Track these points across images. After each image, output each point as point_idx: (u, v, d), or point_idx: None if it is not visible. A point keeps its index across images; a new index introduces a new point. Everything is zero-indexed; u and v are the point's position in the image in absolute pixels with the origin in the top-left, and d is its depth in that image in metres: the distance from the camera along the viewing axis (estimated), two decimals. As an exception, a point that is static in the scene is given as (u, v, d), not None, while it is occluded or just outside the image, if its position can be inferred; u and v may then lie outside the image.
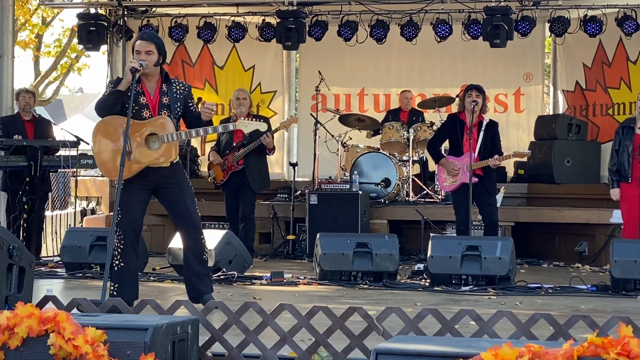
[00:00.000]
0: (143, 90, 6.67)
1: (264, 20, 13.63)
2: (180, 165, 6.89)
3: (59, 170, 11.07)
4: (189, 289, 6.82)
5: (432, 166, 11.71)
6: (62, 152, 10.19)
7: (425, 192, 12.10)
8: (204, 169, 12.41)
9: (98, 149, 6.77)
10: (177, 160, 6.80)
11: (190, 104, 6.80)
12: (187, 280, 6.88)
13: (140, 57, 6.59)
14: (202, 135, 6.87)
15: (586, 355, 3.52)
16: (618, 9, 12.66)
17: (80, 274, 8.96)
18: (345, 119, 12.70)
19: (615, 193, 9.01)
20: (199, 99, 12.91)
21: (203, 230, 6.91)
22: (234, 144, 10.35)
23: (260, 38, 13.63)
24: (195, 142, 13.37)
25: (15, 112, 10.99)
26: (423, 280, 8.68)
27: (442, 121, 10.71)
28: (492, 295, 7.84)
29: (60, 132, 10.85)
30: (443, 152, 9.90)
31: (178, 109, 6.71)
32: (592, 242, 11.12)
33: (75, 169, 11.00)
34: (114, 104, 6.63)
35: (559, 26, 13.02)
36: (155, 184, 6.72)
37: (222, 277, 8.57)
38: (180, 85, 6.83)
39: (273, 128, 10.40)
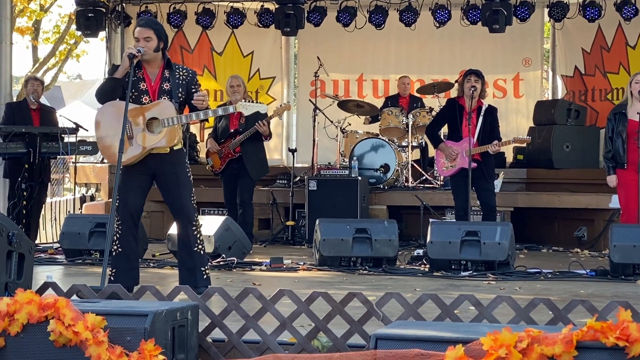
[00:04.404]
0: (144, 76, 6.65)
1: (262, 6, 13.61)
2: (183, 153, 6.81)
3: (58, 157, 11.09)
4: (179, 279, 6.79)
5: (431, 152, 11.70)
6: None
7: (424, 177, 12.10)
8: (203, 155, 12.41)
9: (100, 135, 6.76)
10: (180, 148, 6.76)
11: (194, 90, 6.74)
12: (179, 271, 6.88)
13: (139, 43, 6.57)
14: (202, 118, 6.84)
15: (585, 340, 3.52)
16: (617, -6, 12.65)
17: (80, 261, 8.96)
18: (344, 105, 12.69)
19: (612, 180, 9.00)
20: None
21: (202, 217, 6.88)
22: (231, 131, 10.34)
23: (258, 24, 13.62)
24: (194, 128, 13.36)
25: (23, 98, 10.98)
26: (422, 266, 8.69)
27: (441, 107, 10.70)
28: (492, 281, 7.85)
29: (59, 119, 10.87)
30: (442, 137, 9.91)
31: (180, 95, 6.67)
32: (591, 227, 11.13)
33: (74, 156, 11.01)
34: (111, 90, 6.62)
35: (558, 11, 13.01)
36: (154, 170, 6.70)
37: (221, 263, 8.58)
38: (184, 71, 6.80)
39: (269, 114, 10.39)
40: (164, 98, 6.62)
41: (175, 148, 6.69)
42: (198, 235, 6.77)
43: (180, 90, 6.68)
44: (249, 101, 9.81)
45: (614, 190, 9.24)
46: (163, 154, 6.66)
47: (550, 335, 3.57)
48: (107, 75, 6.78)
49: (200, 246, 6.77)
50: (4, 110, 10.75)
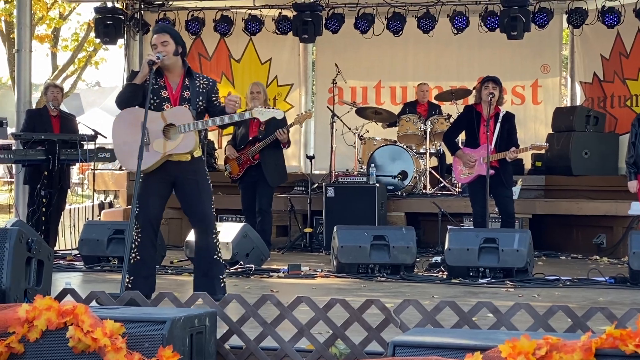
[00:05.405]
0: (166, 84, 6.67)
1: (280, 13, 13.62)
2: (203, 162, 6.82)
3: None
4: (195, 287, 6.74)
5: (449, 159, 11.68)
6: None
7: (442, 184, 12.08)
8: (220, 162, 12.45)
9: (117, 141, 6.77)
10: (200, 156, 6.76)
11: (214, 99, 6.77)
12: (194, 278, 6.87)
13: (157, 49, 6.59)
14: (218, 124, 6.82)
15: (604, 347, 3.51)
16: (637, 0, 12.58)
17: (99, 267, 8.99)
18: (362, 112, 12.68)
19: (632, 185, 8.97)
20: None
21: (220, 224, 6.87)
22: (250, 138, 10.36)
23: (276, 31, 13.63)
24: (212, 136, 13.39)
25: (43, 106, 11.05)
26: (440, 273, 8.68)
27: (459, 113, 10.69)
28: (510, 288, 7.83)
29: (78, 126, 10.94)
30: (460, 144, 9.89)
31: (199, 103, 6.69)
32: (610, 234, 11.08)
33: (93, 163, 11.06)
34: (131, 97, 6.64)
35: (577, 17, 12.96)
36: (174, 178, 6.70)
37: (239, 270, 8.59)
38: (204, 79, 6.81)
39: (289, 122, 10.40)
40: (184, 105, 6.63)
41: (195, 155, 6.70)
42: (217, 243, 6.78)
43: (200, 98, 6.70)
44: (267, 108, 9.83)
45: (634, 197, 9.21)
46: (184, 162, 6.67)
47: (569, 343, 3.56)
48: (125, 82, 6.80)
49: (219, 254, 6.78)
50: (25, 117, 10.82)
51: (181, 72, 6.73)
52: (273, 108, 7.28)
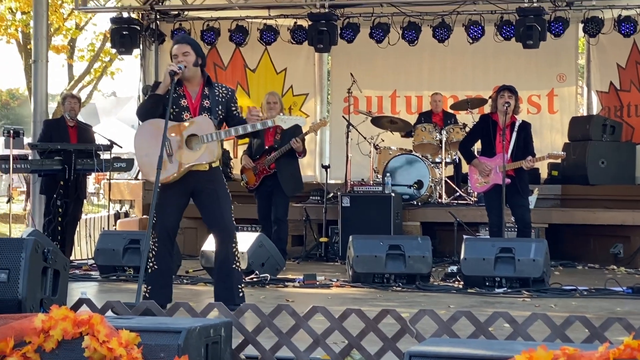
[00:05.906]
0: (185, 93, 6.68)
1: (295, 23, 13.66)
2: (220, 171, 6.85)
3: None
4: (215, 295, 6.79)
5: (465, 168, 11.66)
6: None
7: (458, 194, 12.06)
8: (236, 171, 12.46)
9: (139, 153, 6.78)
10: (218, 166, 6.78)
11: (233, 108, 6.79)
12: (214, 286, 6.89)
13: (178, 59, 6.61)
14: (241, 133, 6.81)
15: (622, 358, 3.49)
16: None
17: (114, 277, 9.00)
18: (377, 121, 12.68)
19: (650, 194, 8.94)
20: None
21: (236, 234, 6.87)
22: (266, 148, 10.36)
23: (292, 41, 13.66)
24: (227, 145, 13.40)
25: (60, 116, 11.11)
26: (456, 283, 8.65)
27: (475, 123, 10.68)
28: (526, 298, 7.79)
29: (95, 136, 10.97)
30: (475, 153, 9.88)
31: (219, 112, 6.70)
32: (627, 243, 11.03)
33: (108, 172, 11.09)
34: (152, 107, 6.65)
35: (593, 26, 12.93)
36: (192, 188, 6.71)
37: (255, 279, 8.59)
38: (223, 89, 6.83)
39: (304, 131, 10.41)
40: (204, 115, 6.64)
41: (213, 165, 6.71)
42: (236, 253, 6.78)
43: (219, 107, 6.71)
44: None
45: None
46: (202, 172, 6.68)
47: (586, 354, 3.54)
48: (141, 93, 6.83)
49: (237, 263, 6.79)
50: (42, 127, 10.87)
51: (200, 82, 6.75)
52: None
